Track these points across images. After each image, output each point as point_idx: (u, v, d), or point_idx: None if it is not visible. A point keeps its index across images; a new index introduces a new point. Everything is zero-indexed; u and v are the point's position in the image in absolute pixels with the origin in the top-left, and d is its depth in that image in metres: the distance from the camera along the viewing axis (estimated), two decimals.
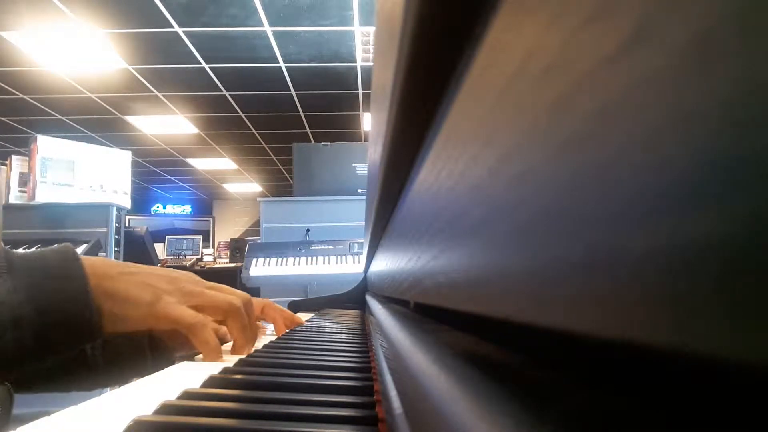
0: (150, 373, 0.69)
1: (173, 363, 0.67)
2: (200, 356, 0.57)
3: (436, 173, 0.21)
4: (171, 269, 0.57)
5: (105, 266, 0.51)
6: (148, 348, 0.67)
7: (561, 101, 0.09)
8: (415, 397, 0.18)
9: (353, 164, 2.96)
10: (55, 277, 0.46)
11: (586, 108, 0.08)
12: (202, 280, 0.59)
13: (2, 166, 2.50)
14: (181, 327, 0.52)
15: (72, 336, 0.47)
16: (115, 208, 2.56)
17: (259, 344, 0.64)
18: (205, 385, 0.40)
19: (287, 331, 0.87)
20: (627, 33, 0.07)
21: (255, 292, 2.35)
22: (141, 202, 9.21)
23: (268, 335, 0.90)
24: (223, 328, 0.85)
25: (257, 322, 0.94)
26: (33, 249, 0.55)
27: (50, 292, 0.45)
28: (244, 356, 0.56)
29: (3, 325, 0.42)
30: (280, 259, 2.59)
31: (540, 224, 0.10)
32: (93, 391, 0.58)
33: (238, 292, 0.60)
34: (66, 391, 0.60)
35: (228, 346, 0.62)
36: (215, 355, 0.54)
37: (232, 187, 8.75)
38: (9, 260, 0.46)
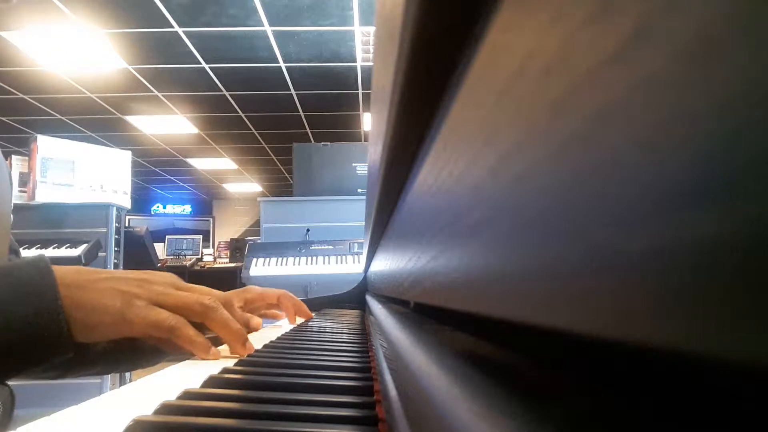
0: (151, 364, 0.70)
1: (175, 354, 0.67)
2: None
3: (436, 173, 0.21)
4: (145, 271, 0.56)
5: (75, 275, 0.50)
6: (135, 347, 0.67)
7: (561, 101, 0.09)
8: (415, 397, 0.18)
9: (353, 164, 2.96)
10: (26, 293, 0.46)
11: (586, 108, 0.08)
12: (179, 280, 0.58)
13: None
14: (160, 331, 0.52)
15: (44, 351, 0.46)
16: (115, 208, 2.56)
17: (272, 336, 0.64)
18: (205, 385, 0.40)
19: (290, 329, 0.89)
20: (627, 33, 0.07)
21: None
22: (141, 202, 9.21)
23: (278, 324, 0.92)
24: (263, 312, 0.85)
25: (273, 310, 0.96)
26: (8, 260, 0.54)
27: (22, 309, 0.45)
28: (244, 355, 0.56)
29: None
30: (280, 259, 2.59)
31: (540, 224, 0.10)
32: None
33: (215, 291, 0.59)
34: (61, 379, 0.61)
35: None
36: (206, 351, 0.53)
37: (232, 187, 8.75)
38: None
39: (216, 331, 0.56)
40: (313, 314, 1.08)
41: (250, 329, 0.74)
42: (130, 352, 0.67)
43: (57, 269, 0.49)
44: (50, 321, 0.46)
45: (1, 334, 0.43)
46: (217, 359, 0.54)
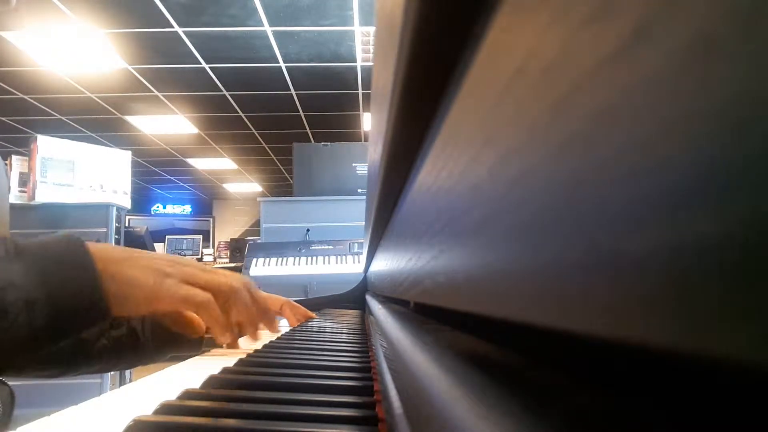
0: (152, 362, 0.71)
1: (177, 352, 0.68)
2: (196, 356, 0.58)
3: (436, 173, 0.21)
4: (173, 255, 0.58)
5: (109, 251, 0.53)
6: (143, 333, 0.69)
7: (561, 101, 0.09)
8: (415, 397, 0.18)
9: (353, 164, 2.96)
10: (64, 262, 0.47)
11: (586, 108, 0.08)
12: (204, 265, 0.60)
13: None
14: (189, 306, 0.54)
15: (82, 319, 0.47)
16: (115, 208, 2.56)
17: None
18: (205, 385, 0.40)
19: (290, 329, 0.91)
20: (627, 33, 0.07)
21: None
22: (141, 202, 9.21)
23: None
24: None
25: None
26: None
27: (61, 278, 0.46)
28: (243, 356, 0.56)
29: (17, 308, 0.43)
30: (280, 259, 2.59)
31: (540, 224, 0.10)
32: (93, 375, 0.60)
33: (237, 275, 0.61)
34: (63, 376, 0.62)
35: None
36: (227, 333, 0.56)
37: (232, 187, 8.75)
38: (18, 246, 0.46)
39: (238, 314, 0.58)
40: (314, 314, 1.10)
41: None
42: (131, 349, 0.68)
43: (90, 245, 0.50)
44: (88, 292, 0.47)
45: (42, 305, 0.44)
46: (232, 347, 0.57)
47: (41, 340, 0.45)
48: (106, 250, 0.52)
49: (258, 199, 2.94)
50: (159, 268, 0.53)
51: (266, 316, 0.61)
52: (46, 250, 0.47)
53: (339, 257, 2.59)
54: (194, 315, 0.56)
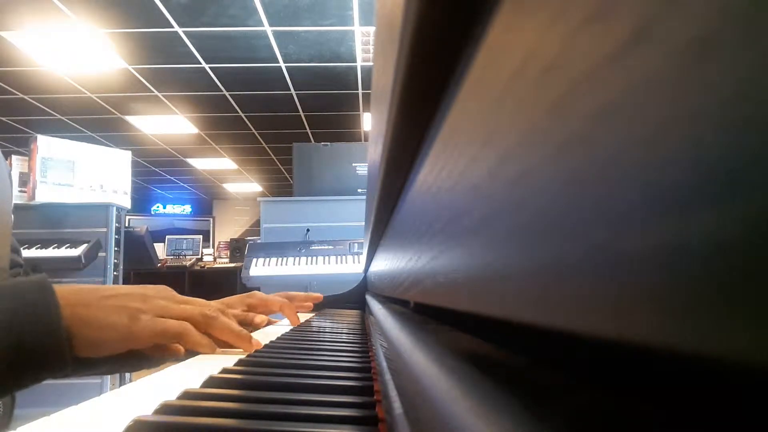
0: (154, 366, 0.71)
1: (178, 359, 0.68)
2: (198, 356, 0.58)
3: (436, 173, 0.21)
4: (143, 285, 0.58)
5: (80, 294, 0.52)
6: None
7: (561, 101, 0.09)
8: (415, 397, 0.18)
9: (353, 164, 2.96)
10: (27, 312, 0.47)
11: (586, 108, 0.08)
12: (175, 294, 0.60)
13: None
14: (168, 338, 0.54)
15: (41, 370, 0.47)
16: (115, 208, 2.56)
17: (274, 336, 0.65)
18: (205, 385, 0.40)
19: (290, 329, 0.91)
20: (627, 33, 0.07)
21: None
22: (141, 202, 9.21)
23: (282, 325, 0.95)
24: (253, 316, 0.88)
25: (267, 317, 0.98)
26: (21, 263, 0.55)
27: (25, 329, 0.46)
28: (243, 356, 0.56)
29: None
30: (280, 259, 2.59)
31: (540, 224, 0.10)
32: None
33: (211, 303, 0.62)
34: (65, 378, 0.62)
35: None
36: (213, 350, 0.57)
37: (232, 187, 8.75)
38: None
39: (220, 337, 0.58)
40: (314, 314, 1.09)
41: (255, 327, 0.76)
42: (134, 357, 0.68)
43: (58, 289, 0.50)
44: (52, 341, 0.47)
45: (4, 353, 0.44)
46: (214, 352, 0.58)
47: (2, 387, 0.45)
48: (77, 293, 0.51)
49: (258, 199, 2.94)
50: (132, 305, 0.53)
51: (246, 335, 0.60)
52: (11, 300, 0.47)
53: (339, 257, 2.59)
54: (170, 345, 0.57)
